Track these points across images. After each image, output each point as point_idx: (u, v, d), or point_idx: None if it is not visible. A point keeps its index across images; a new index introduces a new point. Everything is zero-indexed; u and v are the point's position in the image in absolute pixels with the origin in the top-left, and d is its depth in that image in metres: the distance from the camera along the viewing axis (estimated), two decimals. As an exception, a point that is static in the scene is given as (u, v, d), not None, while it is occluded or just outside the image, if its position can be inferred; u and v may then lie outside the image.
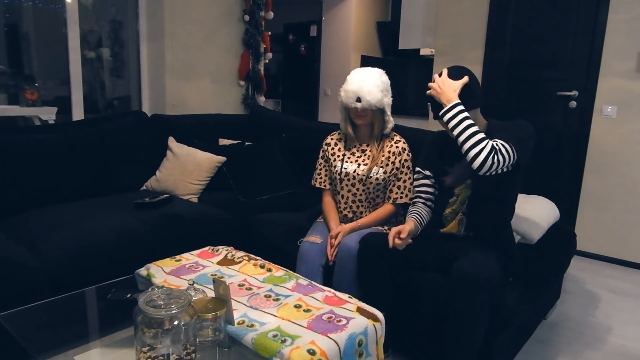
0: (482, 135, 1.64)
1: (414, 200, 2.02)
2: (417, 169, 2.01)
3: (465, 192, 1.86)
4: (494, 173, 1.64)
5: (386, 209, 2.15)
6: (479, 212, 1.79)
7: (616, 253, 3.40)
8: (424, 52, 5.37)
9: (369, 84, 2.04)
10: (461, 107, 1.68)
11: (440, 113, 1.73)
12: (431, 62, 4.30)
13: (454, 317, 1.63)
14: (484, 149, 1.61)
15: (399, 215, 2.25)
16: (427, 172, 1.97)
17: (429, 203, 1.99)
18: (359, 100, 2.05)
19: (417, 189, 2.02)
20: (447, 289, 1.70)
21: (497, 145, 1.64)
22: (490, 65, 3.87)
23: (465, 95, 1.73)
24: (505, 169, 1.67)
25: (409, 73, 5.68)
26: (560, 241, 2.39)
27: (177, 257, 1.79)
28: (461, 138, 1.65)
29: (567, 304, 2.69)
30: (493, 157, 1.61)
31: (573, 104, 3.50)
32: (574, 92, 3.49)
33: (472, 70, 1.81)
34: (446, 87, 1.72)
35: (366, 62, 5.89)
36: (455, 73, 1.77)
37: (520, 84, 3.76)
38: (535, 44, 3.65)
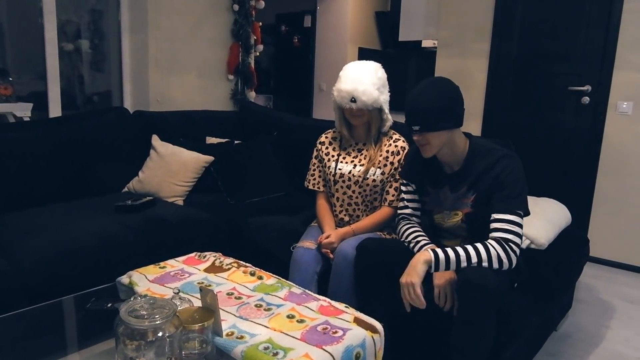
0: (482, 250, 1.61)
1: (407, 213, 1.97)
2: (403, 180, 1.99)
3: (453, 219, 1.85)
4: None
5: (383, 212, 2.15)
6: (481, 236, 1.77)
7: (632, 259, 3.42)
8: (425, 44, 5.40)
9: (364, 83, 2.02)
10: (441, 255, 1.61)
11: (437, 272, 1.68)
12: (433, 55, 4.32)
13: (460, 328, 1.63)
14: (500, 258, 1.61)
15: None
16: (413, 186, 1.96)
17: (418, 219, 1.99)
18: (353, 100, 2.04)
19: (407, 202, 1.98)
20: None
21: (502, 236, 1.64)
22: (497, 58, 3.88)
23: (445, 114, 1.69)
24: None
25: (409, 67, 5.71)
26: (572, 247, 2.40)
27: (162, 263, 1.79)
28: (474, 264, 1.63)
29: (580, 314, 2.71)
30: (510, 253, 1.62)
31: (586, 99, 3.52)
32: (587, 87, 3.52)
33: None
34: (411, 272, 1.63)
35: (364, 54, 5.91)
36: (436, 87, 1.72)
37: (529, 79, 3.78)
38: (545, 36, 3.67)
